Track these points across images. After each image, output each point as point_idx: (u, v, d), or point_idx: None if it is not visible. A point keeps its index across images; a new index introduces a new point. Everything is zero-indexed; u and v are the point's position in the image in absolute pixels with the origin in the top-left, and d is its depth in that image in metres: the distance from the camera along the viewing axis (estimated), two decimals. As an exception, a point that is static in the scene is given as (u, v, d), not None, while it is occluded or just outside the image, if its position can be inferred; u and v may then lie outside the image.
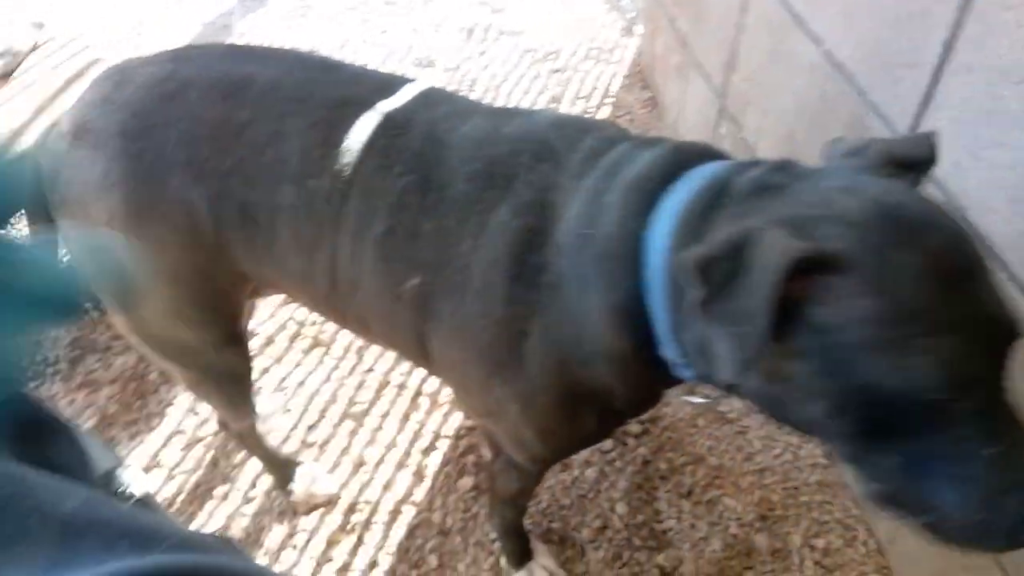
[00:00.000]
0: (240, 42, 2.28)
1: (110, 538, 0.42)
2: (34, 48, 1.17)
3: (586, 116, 0.77)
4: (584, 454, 1.36)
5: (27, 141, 1.10)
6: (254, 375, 1.46)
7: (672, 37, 1.83)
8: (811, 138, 1.23)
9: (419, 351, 0.89)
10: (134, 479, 1.22)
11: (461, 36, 2.35)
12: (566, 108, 2.08)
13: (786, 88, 1.28)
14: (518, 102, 2.11)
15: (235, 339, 1.03)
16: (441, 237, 0.79)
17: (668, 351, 0.71)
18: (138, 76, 0.85)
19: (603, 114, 2.06)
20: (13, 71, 1.14)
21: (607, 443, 1.38)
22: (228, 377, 1.07)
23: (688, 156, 0.74)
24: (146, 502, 1.25)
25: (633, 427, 1.41)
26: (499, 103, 2.09)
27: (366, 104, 0.85)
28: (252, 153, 0.83)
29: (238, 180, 0.83)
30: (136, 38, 2.13)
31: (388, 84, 0.89)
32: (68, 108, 0.86)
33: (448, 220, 0.79)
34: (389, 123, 0.83)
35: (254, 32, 2.34)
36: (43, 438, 0.54)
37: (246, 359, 1.08)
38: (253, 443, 1.26)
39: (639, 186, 0.72)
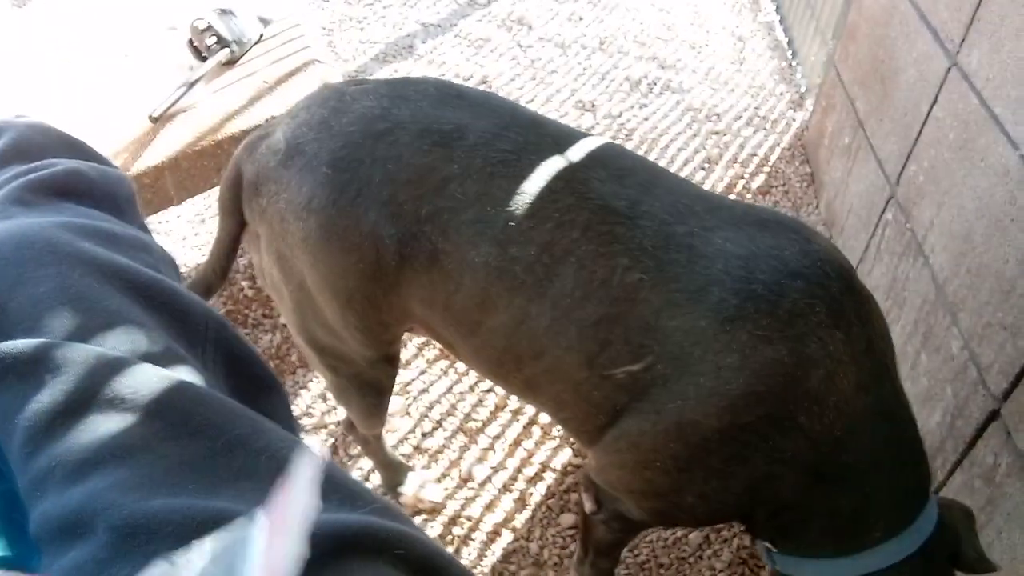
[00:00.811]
0: (421, 63, 2.42)
1: (325, 491, 0.46)
2: (259, 40, 1.30)
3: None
4: (691, 517, 1.34)
5: (238, 126, 1.21)
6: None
7: (847, 116, 1.80)
8: (990, 243, 1.18)
9: (598, 422, 0.90)
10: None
11: (626, 86, 2.39)
12: (720, 171, 2.08)
13: (969, 187, 1.24)
14: (672, 158, 2.12)
15: (389, 360, 1.09)
16: (687, 337, 0.81)
17: None
18: (355, 108, 0.91)
19: (757, 183, 2.04)
20: (238, 59, 1.26)
21: (716, 511, 1.35)
22: (372, 389, 1.13)
23: None
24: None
25: (745, 501, 1.37)
26: (654, 156, 2.12)
27: (576, 179, 0.86)
28: (454, 206, 0.86)
29: (434, 228, 0.87)
30: (336, 44, 2.31)
31: (599, 155, 0.91)
32: (286, 121, 0.93)
33: (700, 322, 0.80)
34: (609, 210, 0.85)
35: (434, 55, 2.47)
36: (259, 392, 0.59)
37: (393, 377, 1.14)
38: (374, 448, 1.31)
39: None
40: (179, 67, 1.25)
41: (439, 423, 1.51)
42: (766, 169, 2.09)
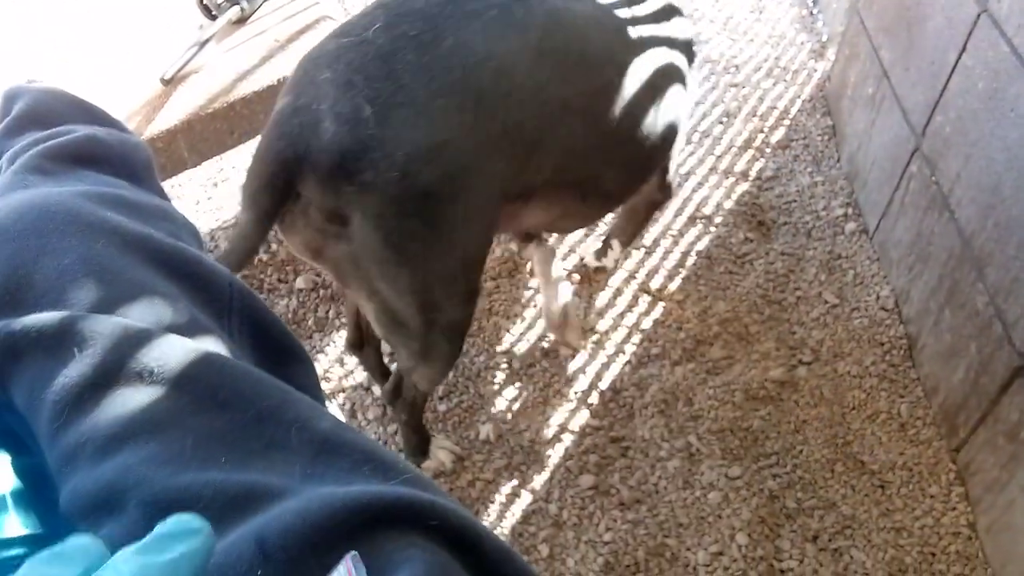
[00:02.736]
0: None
1: (357, 461, 0.46)
2: (269, -2, 1.27)
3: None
4: (711, 476, 1.34)
5: (250, 87, 1.19)
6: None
7: (870, 66, 1.75)
8: (1019, 195, 1.15)
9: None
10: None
11: (641, 38, 2.33)
12: (739, 125, 2.04)
13: (998, 138, 1.20)
14: (690, 112, 2.08)
15: (478, 292, 1.12)
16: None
17: None
18: (399, 29, 0.93)
19: (777, 136, 2.00)
20: (248, 17, 1.23)
21: (735, 468, 1.35)
22: (460, 335, 1.11)
23: None
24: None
25: (767, 449, 1.37)
26: (671, 110, 2.07)
27: None
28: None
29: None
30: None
31: None
32: (328, 86, 0.88)
33: None
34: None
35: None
36: (286, 361, 0.58)
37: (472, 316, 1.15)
38: (419, 408, 1.29)
39: None
40: (189, 26, 1.22)
41: (454, 386, 1.52)
42: (786, 122, 2.04)
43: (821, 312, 1.60)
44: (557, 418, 1.45)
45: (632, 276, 1.68)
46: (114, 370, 0.47)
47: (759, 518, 1.29)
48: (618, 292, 1.65)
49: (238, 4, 1.22)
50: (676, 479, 1.34)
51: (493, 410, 1.47)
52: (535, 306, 1.63)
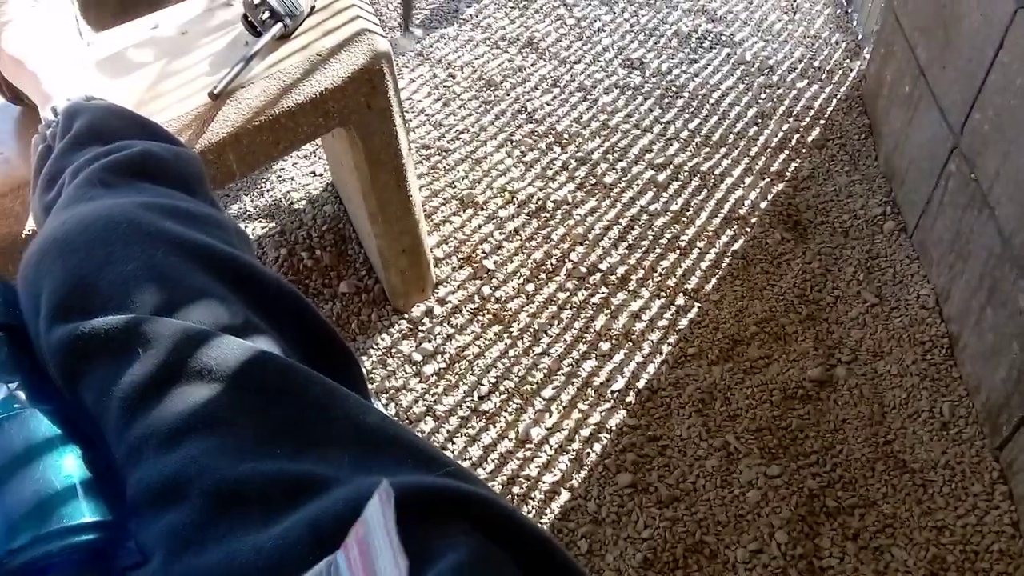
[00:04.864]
0: (467, 28, 2.40)
1: (401, 456, 0.49)
2: (311, 12, 1.31)
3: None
4: (749, 475, 1.35)
5: (294, 100, 1.23)
6: (438, 341, 1.56)
7: (907, 65, 1.74)
8: (1060, 189, 1.14)
9: None
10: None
11: (675, 42, 2.35)
12: (775, 126, 2.03)
13: (1038, 133, 1.19)
14: (724, 114, 2.09)
15: None
16: None
17: None
18: None
19: (813, 136, 1.99)
20: (291, 33, 1.28)
21: (774, 468, 1.35)
22: None
23: None
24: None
25: (806, 448, 1.37)
26: (705, 113, 2.08)
27: None
28: None
29: None
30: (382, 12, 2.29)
31: None
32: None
33: None
34: None
35: (479, 18, 2.46)
36: (335, 363, 0.61)
37: None
38: None
39: None
40: (235, 43, 1.28)
41: (495, 386, 1.55)
42: (822, 122, 2.03)
43: (860, 311, 1.59)
44: (595, 417, 1.47)
45: (668, 277, 1.69)
46: (176, 369, 0.50)
47: (799, 516, 1.29)
48: (655, 294, 1.66)
49: (282, 21, 1.27)
50: (714, 478, 1.35)
51: (532, 409, 1.49)
52: (571, 308, 1.65)
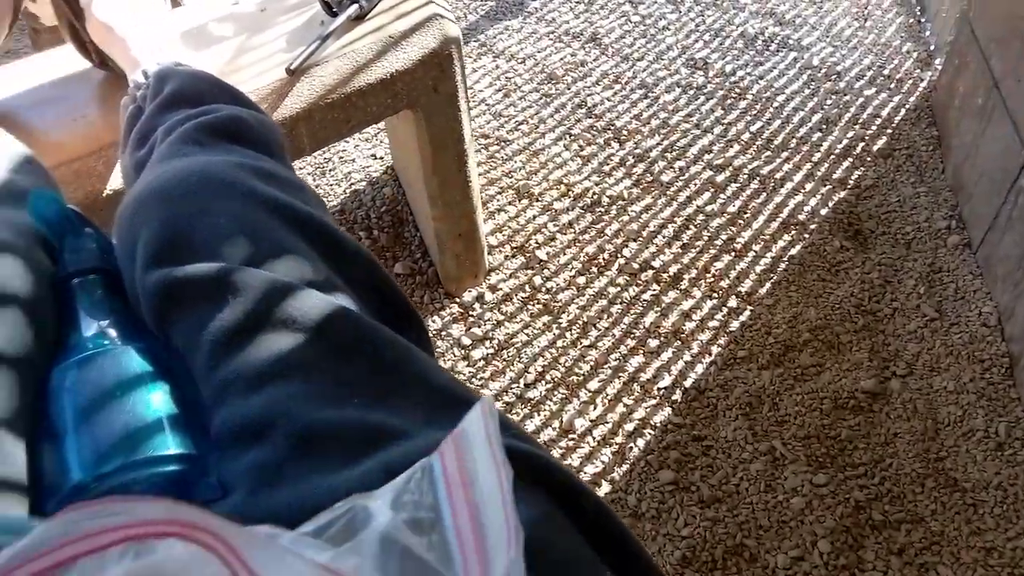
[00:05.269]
0: (531, 20, 2.41)
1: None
2: (386, -5, 1.34)
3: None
4: (795, 482, 1.33)
5: (366, 80, 1.26)
6: (487, 327, 1.57)
7: (980, 76, 1.70)
8: None
9: None
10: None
11: (740, 43, 2.32)
12: (839, 132, 2.00)
13: (1121, 150, 1.15)
14: (788, 118, 2.06)
15: None
16: None
17: None
18: None
19: (879, 145, 1.95)
20: (366, 14, 1.31)
21: (821, 476, 1.34)
22: None
23: None
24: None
25: (855, 459, 1.35)
26: (768, 116, 2.06)
27: None
28: None
29: None
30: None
31: None
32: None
33: None
34: None
35: (544, 12, 2.47)
36: (406, 328, 0.63)
37: None
38: None
39: None
40: (311, 22, 1.31)
41: (541, 375, 1.55)
42: (889, 131, 1.99)
43: (918, 325, 1.56)
44: (640, 413, 1.47)
45: (721, 278, 1.68)
46: (262, 317, 0.52)
47: (843, 527, 1.28)
48: (707, 294, 1.65)
49: (357, 2, 1.29)
50: (758, 482, 1.34)
51: (577, 400, 1.50)
52: (621, 303, 1.65)
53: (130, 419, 0.48)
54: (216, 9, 1.33)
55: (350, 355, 0.52)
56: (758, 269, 1.69)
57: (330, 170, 1.93)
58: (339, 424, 0.48)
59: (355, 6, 1.29)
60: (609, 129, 2.06)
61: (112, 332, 0.54)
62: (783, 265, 1.69)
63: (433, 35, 1.35)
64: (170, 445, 0.49)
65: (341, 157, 1.97)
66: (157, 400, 0.50)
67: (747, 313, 1.61)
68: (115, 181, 1.06)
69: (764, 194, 1.86)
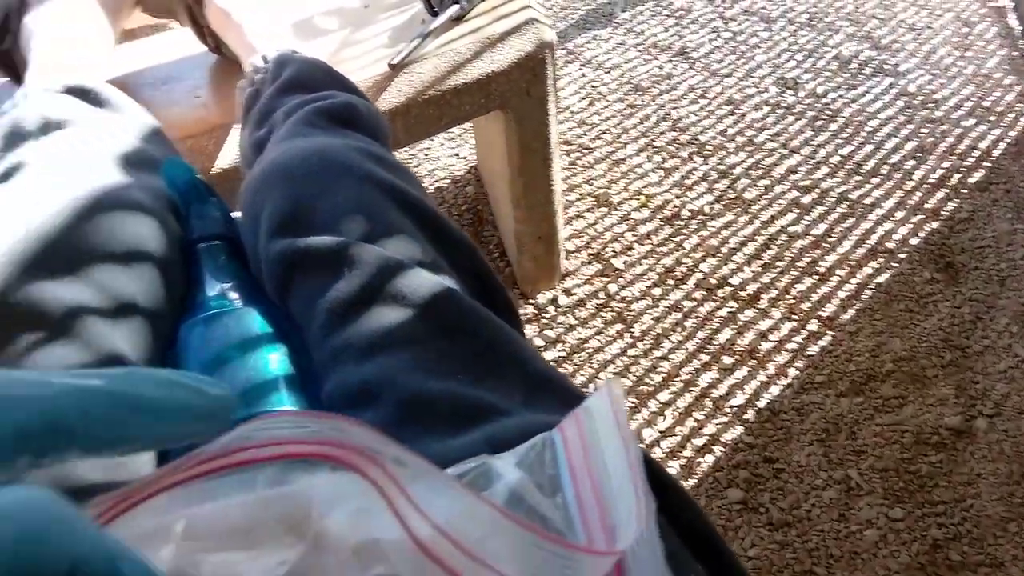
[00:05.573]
0: (620, 31, 2.42)
1: (566, 399, 0.51)
2: (484, -2, 1.36)
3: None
4: (869, 513, 1.29)
5: (461, 79, 1.28)
6: (560, 330, 1.58)
7: (1095, 110, 1.62)
8: None
9: None
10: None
11: (834, 65, 2.28)
12: (934, 162, 1.94)
13: None
14: (880, 144, 2.01)
15: None
16: None
17: None
18: None
19: (975, 178, 1.89)
20: (465, 15, 1.33)
21: (897, 511, 1.29)
22: None
23: None
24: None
25: (935, 496, 1.30)
26: (859, 140, 2.01)
27: None
28: None
29: None
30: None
31: None
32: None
33: None
34: None
35: (633, 23, 2.47)
36: (502, 314, 0.64)
37: None
38: None
39: None
40: (412, 20, 1.34)
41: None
42: (987, 164, 1.92)
43: (1009, 365, 1.49)
44: (710, 429, 1.45)
45: (802, 301, 1.64)
46: (376, 290, 0.54)
47: (918, 564, 1.23)
48: (786, 316, 1.62)
49: (458, 3, 1.32)
50: (831, 510, 1.30)
51: (646, 410, 1.49)
52: (696, 317, 1.63)
53: (251, 375, 0.51)
54: (322, 3, 1.38)
55: (453, 333, 0.54)
56: (841, 294, 1.65)
57: (415, 166, 1.97)
58: (444, 395, 0.50)
59: (456, 7, 1.32)
60: (693, 143, 2.05)
61: (233, 295, 0.57)
62: (868, 292, 1.64)
63: (529, 39, 1.36)
64: (285, 402, 0.51)
65: (426, 155, 2.01)
66: (274, 360, 0.53)
67: (828, 338, 1.57)
68: (223, 160, 1.11)
69: (852, 219, 1.81)
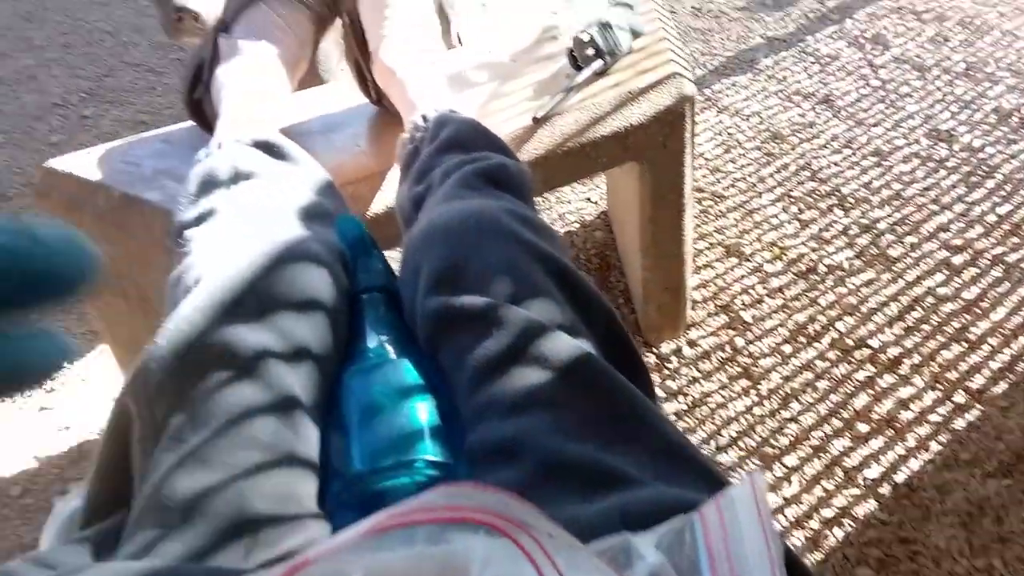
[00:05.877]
0: (761, 78, 2.38)
1: (697, 474, 0.52)
2: (630, 52, 1.40)
3: None
4: None
5: (601, 132, 1.32)
6: (682, 382, 1.56)
7: None
8: None
9: None
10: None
11: (992, 118, 2.15)
12: (1108, 225, 1.78)
13: None
14: None
15: None
16: None
17: None
18: None
19: None
20: (608, 70, 1.37)
21: None
22: None
23: None
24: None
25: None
26: (1018, 199, 1.88)
27: None
28: None
29: None
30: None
31: None
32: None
33: None
34: None
35: (775, 70, 2.43)
36: (635, 373, 0.65)
37: None
38: None
39: None
40: (557, 74, 1.39)
41: (734, 441, 1.51)
42: None
43: None
44: (840, 500, 1.38)
45: (948, 370, 1.55)
46: (520, 351, 0.57)
47: (1073, 672, 1.12)
48: (930, 384, 1.53)
49: (603, 59, 1.36)
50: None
51: (772, 476, 1.44)
52: (829, 379, 1.57)
53: (403, 424, 0.55)
54: (473, 57, 1.45)
55: (592, 397, 0.56)
56: (993, 365, 1.54)
57: (546, 209, 2.02)
58: (581, 460, 0.52)
59: (599, 62, 1.36)
60: (834, 195, 1.98)
61: (389, 346, 0.62)
62: (1023, 366, 1.53)
63: (670, 92, 1.38)
64: (430, 452, 0.55)
65: (558, 198, 2.06)
66: (423, 410, 0.57)
67: (975, 412, 1.46)
68: (376, 206, 1.19)
69: (1007, 283, 1.69)
